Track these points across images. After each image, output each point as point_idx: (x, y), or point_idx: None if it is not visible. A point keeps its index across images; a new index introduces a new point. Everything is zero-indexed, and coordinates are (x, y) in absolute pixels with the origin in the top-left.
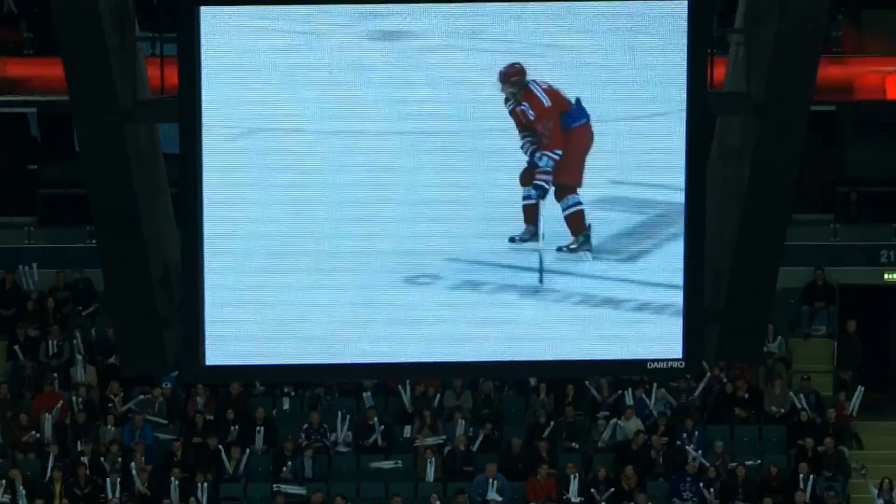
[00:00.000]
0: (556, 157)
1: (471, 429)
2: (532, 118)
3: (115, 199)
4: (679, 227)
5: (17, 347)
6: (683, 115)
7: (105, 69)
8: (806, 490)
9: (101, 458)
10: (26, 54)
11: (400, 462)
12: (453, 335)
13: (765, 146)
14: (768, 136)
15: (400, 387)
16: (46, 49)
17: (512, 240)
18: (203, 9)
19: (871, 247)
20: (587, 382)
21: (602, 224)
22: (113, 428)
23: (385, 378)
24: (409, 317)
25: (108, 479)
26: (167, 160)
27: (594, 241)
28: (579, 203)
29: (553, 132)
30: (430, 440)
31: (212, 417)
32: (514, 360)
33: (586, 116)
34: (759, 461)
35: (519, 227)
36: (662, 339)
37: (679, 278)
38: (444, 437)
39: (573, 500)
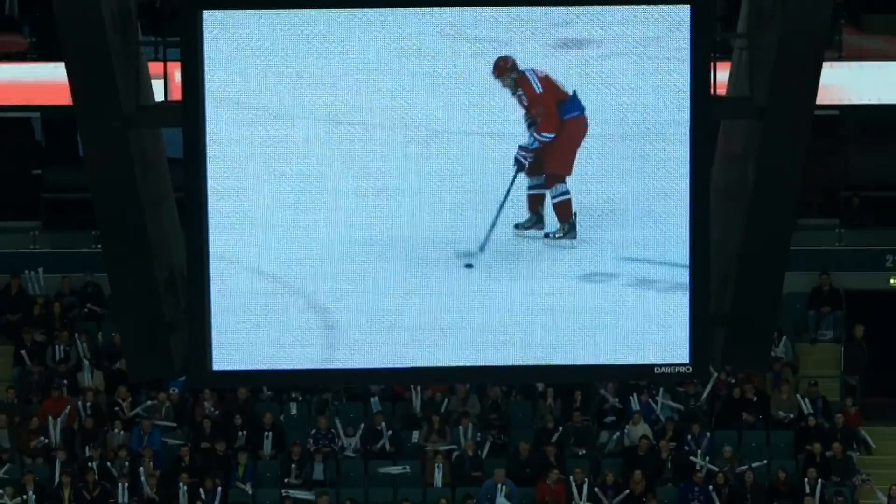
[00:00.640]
0: (545, 140)
1: (478, 434)
2: (526, 104)
3: (120, 203)
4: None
5: (23, 352)
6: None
7: (108, 74)
8: (815, 495)
9: (110, 464)
10: (29, 58)
11: (408, 467)
12: (460, 339)
13: (769, 150)
14: (772, 141)
15: (412, 389)
16: (49, 54)
17: (517, 226)
18: (206, 13)
19: (877, 251)
20: (600, 389)
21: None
22: (121, 433)
23: (393, 383)
24: (418, 321)
25: (118, 484)
26: (171, 165)
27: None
28: (567, 192)
29: (546, 117)
30: (442, 447)
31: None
32: (522, 364)
33: (581, 108)
34: (765, 461)
35: (523, 214)
36: (669, 344)
37: (685, 282)
38: (454, 445)
39: None
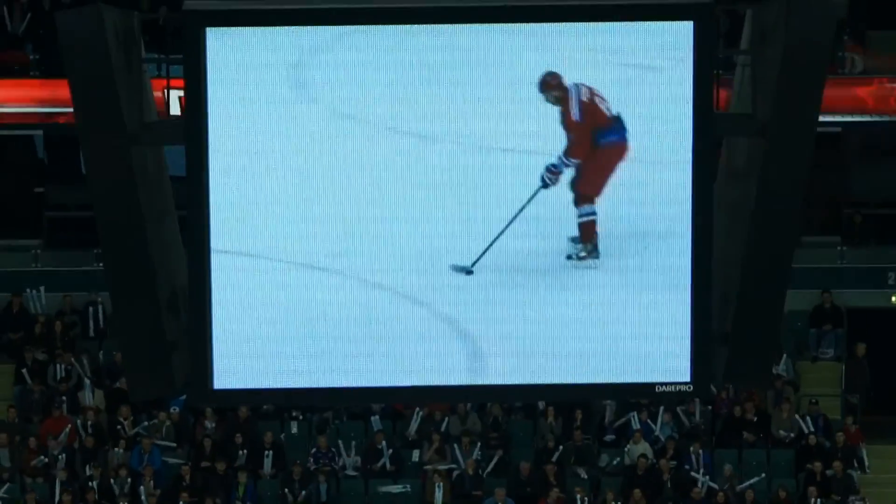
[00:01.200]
0: (570, 164)
1: (479, 452)
2: (564, 126)
3: (122, 221)
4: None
5: (24, 371)
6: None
7: (111, 91)
8: None
9: (110, 482)
10: (32, 76)
11: (408, 486)
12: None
13: (771, 167)
14: (775, 157)
15: (417, 409)
16: (52, 71)
17: (569, 257)
18: (209, 30)
19: (878, 269)
20: (605, 405)
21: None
22: (122, 452)
23: (395, 402)
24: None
25: None
26: (172, 182)
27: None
28: (594, 213)
29: (577, 144)
30: (443, 467)
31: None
32: (523, 383)
33: (622, 133)
34: (764, 476)
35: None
36: (670, 362)
37: (687, 299)
38: (454, 464)
39: None
